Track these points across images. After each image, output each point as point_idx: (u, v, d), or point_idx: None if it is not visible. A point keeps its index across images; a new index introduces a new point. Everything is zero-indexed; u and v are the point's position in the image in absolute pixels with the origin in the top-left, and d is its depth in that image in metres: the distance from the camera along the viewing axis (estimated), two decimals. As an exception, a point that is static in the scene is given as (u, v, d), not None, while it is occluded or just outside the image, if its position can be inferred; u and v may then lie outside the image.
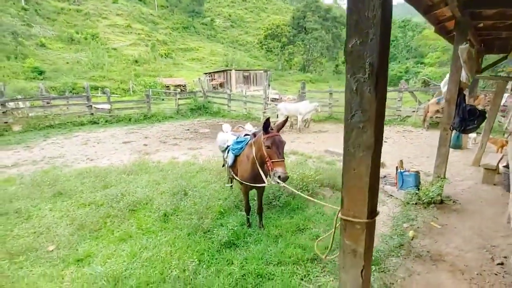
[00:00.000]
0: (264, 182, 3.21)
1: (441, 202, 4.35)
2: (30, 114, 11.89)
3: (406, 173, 4.73)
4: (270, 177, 2.96)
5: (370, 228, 1.34)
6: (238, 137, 3.82)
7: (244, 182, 3.36)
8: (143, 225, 3.88)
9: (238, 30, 67.41)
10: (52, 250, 3.42)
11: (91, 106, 13.57)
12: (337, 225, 1.54)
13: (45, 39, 37.57)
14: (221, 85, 29.23)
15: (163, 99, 21.96)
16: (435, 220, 3.84)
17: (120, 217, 4.06)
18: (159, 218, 4.00)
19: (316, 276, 2.80)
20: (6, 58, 29.87)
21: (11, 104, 11.94)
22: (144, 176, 5.79)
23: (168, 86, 24.96)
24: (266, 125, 2.95)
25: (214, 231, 3.43)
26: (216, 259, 3.08)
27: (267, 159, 2.88)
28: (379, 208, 4.63)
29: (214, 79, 30.61)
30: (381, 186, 5.28)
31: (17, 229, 3.81)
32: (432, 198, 4.12)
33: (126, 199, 4.43)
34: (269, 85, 34.53)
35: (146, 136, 11.22)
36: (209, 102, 17.73)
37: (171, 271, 2.82)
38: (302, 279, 2.77)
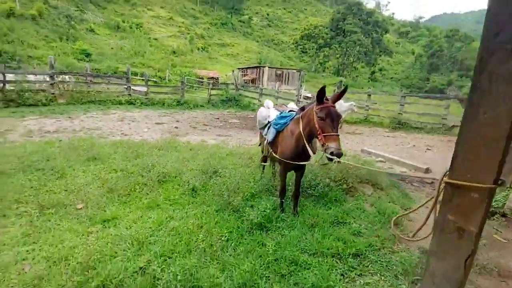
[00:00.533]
0: (307, 160, 2.92)
1: (504, 215, 3.75)
2: (74, 89, 12.54)
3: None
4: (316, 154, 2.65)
5: (490, 198, 0.99)
6: (282, 112, 3.54)
7: (284, 160, 3.08)
8: (171, 196, 3.74)
9: (275, 29, 67.23)
10: (81, 208, 3.38)
11: (129, 87, 14.05)
12: (441, 192, 1.20)
13: (94, 25, 40.03)
14: (253, 81, 29.18)
15: (195, 89, 22.35)
16: (499, 234, 3.28)
17: (149, 186, 3.97)
18: (187, 192, 3.85)
19: (360, 275, 2.44)
20: (59, 39, 32.22)
21: (59, 77, 12.66)
22: (174, 153, 5.72)
23: (202, 78, 25.37)
24: (321, 94, 2.63)
25: (245, 211, 3.18)
26: (245, 239, 2.83)
27: (318, 132, 2.57)
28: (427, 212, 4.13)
29: (247, 74, 30.64)
30: (429, 191, 4.74)
31: (51, 184, 3.85)
32: (495, 208, 3.54)
33: (156, 169, 4.34)
34: (301, 85, 33.95)
35: (178, 120, 11.35)
36: (240, 95, 17.69)
37: (198, 244, 2.62)
38: (342, 275, 2.43)
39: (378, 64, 43.40)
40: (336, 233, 2.98)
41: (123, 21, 44.75)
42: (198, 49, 45.30)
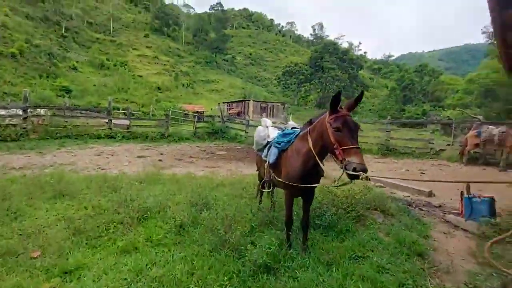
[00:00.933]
0: (317, 182, 2.50)
1: (530, 240, 3.38)
2: (49, 123, 11.80)
3: (476, 199, 3.83)
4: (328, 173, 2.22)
5: None
6: (284, 130, 3.17)
7: (291, 183, 2.62)
8: (153, 236, 3.10)
9: (257, 67, 70.51)
10: (37, 257, 2.67)
11: (110, 120, 13.47)
12: None
13: (77, 63, 40.12)
14: (239, 114, 29.41)
15: (181, 123, 22.00)
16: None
17: (126, 225, 3.31)
18: (174, 230, 3.23)
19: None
20: (39, 76, 31.70)
21: (34, 111, 11.94)
22: (157, 186, 5.11)
23: (187, 112, 25.28)
24: (336, 101, 2.30)
25: (246, 250, 2.61)
26: (249, 286, 2.23)
27: (335, 146, 2.18)
28: (448, 239, 3.69)
29: (232, 108, 30.95)
30: (441, 215, 4.36)
31: (2, 229, 3.12)
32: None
33: (135, 204, 3.71)
34: (288, 117, 34.63)
35: (162, 153, 10.75)
36: (226, 127, 17.47)
37: (189, 298, 2.00)
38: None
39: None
40: (358, 270, 2.46)
41: (108, 60, 45.33)
42: (183, 85, 46.07)
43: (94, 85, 36.84)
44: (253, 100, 30.33)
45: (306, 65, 45.27)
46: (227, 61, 68.18)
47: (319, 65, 43.30)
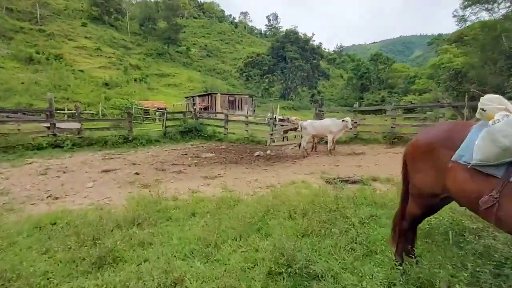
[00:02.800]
0: None
1: None
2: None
3: None
4: None
5: None
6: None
7: None
8: None
9: (214, 59, 67.21)
10: None
11: (54, 124, 10.34)
12: None
13: (-3, 57, 32.90)
14: (206, 108, 26.95)
15: (141, 122, 18.90)
16: None
17: None
18: None
19: None
20: None
21: None
22: (172, 228, 3.12)
23: (147, 109, 22.03)
24: None
25: None
26: None
27: None
28: None
29: (194, 103, 28.24)
30: None
31: None
32: None
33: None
34: (254, 110, 33.06)
35: (134, 162, 8.32)
36: (201, 124, 15.17)
37: None
38: None
39: (319, 87, 46.15)
40: None
41: (38, 53, 38.19)
42: (135, 79, 41.25)
43: (22, 82, 30.53)
44: (221, 94, 28.06)
45: (268, 55, 44.01)
46: (181, 53, 63.49)
47: (281, 55, 42.36)
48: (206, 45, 70.80)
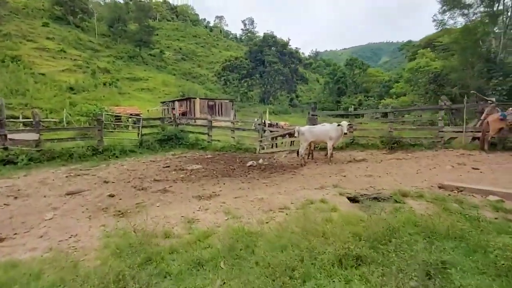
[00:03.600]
0: None
1: None
2: None
3: None
4: None
5: None
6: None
7: None
8: None
9: (190, 63, 65.24)
10: None
11: (5, 136, 8.60)
12: None
13: None
14: (184, 114, 25.44)
15: (112, 130, 17.09)
16: None
17: None
18: None
19: None
20: None
21: None
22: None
23: (119, 116, 20.11)
24: None
25: None
26: None
27: None
28: None
29: (173, 108, 26.63)
30: None
31: None
32: None
33: None
34: (235, 115, 32.00)
35: (106, 179, 6.98)
36: (181, 131, 13.88)
37: None
38: None
39: (297, 92, 46.18)
40: None
41: (-10, 54, 34.31)
42: (104, 84, 38.46)
43: (-29, 87, 27.03)
44: (200, 98, 26.65)
45: (246, 59, 43.21)
46: (154, 56, 60.73)
47: (259, 59, 41.72)
48: (181, 48, 68.64)
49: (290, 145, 12.83)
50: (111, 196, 5.52)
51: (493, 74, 13.74)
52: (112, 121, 17.71)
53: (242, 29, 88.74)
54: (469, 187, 4.33)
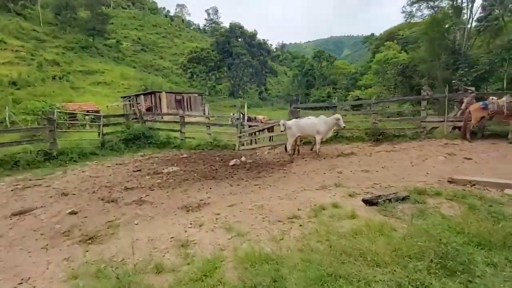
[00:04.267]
0: None
1: None
2: None
3: None
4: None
5: None
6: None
7: None
8: None
9: (151, 54, 61.26)
10: None
11: None
12: None
13: None
14: (149, 110, 23.56)
15: (67, 130, 15.04)
16: None
17: None
18: None
19: None
20: None
21: None
22: None
23: (74, 113, 17.80)
24: None
25: None
26: None
27: None
28: None
29: (138, 103, 24.58)
30: None
31: None
32: None
33: None
34: (204, 110, 30.58)
35: (64, 191, 5.77)
36: (150, 129, 12.56)
37: None
38: None
39: (265, 84, 45.76)
40: None
41: None
42: (54, 77, 34.35)
43: None
44: (166, 92, 24.81)
45: (213, 51, 41.46)
46: (110, 46, 55.86)
47: (227, 50, 40.22)
48: (139, 39, 64.06)
49: (270, 140, 12.33)
50: (73, 213, 4.46)
51: (459, 65, 14.53)
52: (66, 120, 15.60)
53: (206, 19, 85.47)
54: (482, 180, 4.12)
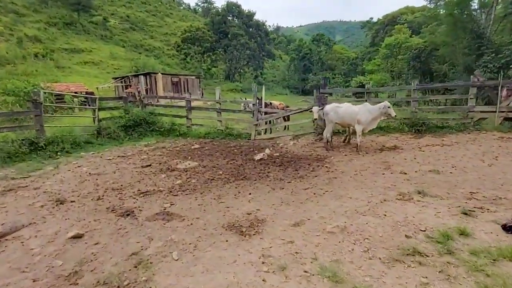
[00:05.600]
0: None
1: None
2: None
3: None
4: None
5: None
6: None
7: None
8: None
9: (141, 33, 57.67)
10: None
11: None
12: None
13: None
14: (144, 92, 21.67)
15: (53, 113, 13.28)
16: None
17: None
18: None
19: None
20: None
21: None
22: None
23: (61, 95, 15.88)
24: None
25: None
26: None
27: None
28: None
29: (130, 85, 22.66)
30: None
31: None
32: None
33: None
34: (202, 94, 28.82)
35: (59, 196, 4.45)
36: (151, 114, 11.08)
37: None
38: None
39: (263, 68, 43.80)
40: None
41: None
42: (36, 55, 31.50)
43: None
44: (162, 74, 22.84)
45: (209, 31, 38.85)
46: (97, 24, 52.02)
47: (223, 30, 37.67)
48: (128, 16, 60.06)
49: (284, 129, 11.11)
50: (78, 237, 3.17)
51: (484, 51, 13.47)
52: (52, 102, 13.80)
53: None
54: None
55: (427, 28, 19.22)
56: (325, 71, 47.94)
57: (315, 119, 7.74)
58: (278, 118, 10.45)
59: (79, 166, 6.36)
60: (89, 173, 5.77)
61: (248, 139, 9.79)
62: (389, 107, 6.64)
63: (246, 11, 40.34)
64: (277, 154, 7.36)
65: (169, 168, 6.12)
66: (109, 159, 7.03)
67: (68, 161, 6.78)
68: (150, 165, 6.38)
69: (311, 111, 8.29)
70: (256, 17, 44.47)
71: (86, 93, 17.04)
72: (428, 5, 20.18)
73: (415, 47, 17.86)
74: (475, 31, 14.07)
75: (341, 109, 7.07)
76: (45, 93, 14.84)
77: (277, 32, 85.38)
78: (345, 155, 6.88)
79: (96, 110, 9.68)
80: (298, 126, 10.23)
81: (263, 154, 7.11)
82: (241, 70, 40.95)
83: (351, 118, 6.97)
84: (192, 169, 6.09)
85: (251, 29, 40.01)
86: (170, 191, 4.68)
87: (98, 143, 8.80)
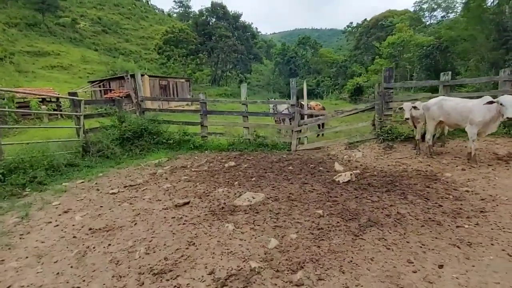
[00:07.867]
0: None
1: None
2: None
3: None
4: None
5: None
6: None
7: None
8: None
9: (115, 37, 53.56)
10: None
11: None
12: None
13: None
14: (126, 97, 18.69)
15: (15, 124, 10.12)
16: None
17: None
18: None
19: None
20: None
21: None
22: None
23: (27, 101, 12.58)
24: None
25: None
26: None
27: None
28: None
29: (113, 90, 19.54)
30: None
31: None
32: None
33: None
34: (192, 96, 26.11)
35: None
36: (153, 121, 8.46)
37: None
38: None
39: (251, 72, 41.87)
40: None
41: None
42: (-9, 58, 27.09)
43: None
44: (149, 76, 19.95)
45: (193, 32, 36.12)
46: (64, 26, 47.28)
47: (208, 32, 35.18)
48: (100, 18, 55.66)
49: (317, 136, 9.08)
50: None
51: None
52: (14, 109, 10.61)
53: (174, 1, 77.70)
54: None
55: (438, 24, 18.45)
56: (311, 74, 47.05)
57: (407, 118, 5.73)
58: (321, 123, 8.36)
59: (65, 212, 3.78)
60: (90, 229, 3.24)
61: (288, 150, 7.59)
62: (505, 104, 4.70)
63: (232, 12, 38.30)
64: (358, 171, 5.22)
65: (223, 208, 3.73)
66: (113, 193, 4.47)
67: (44, 201, 4.14)
68: (189, 203, 3.94)
69: (398, 108, 6.32)
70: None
71: (73, 93, 13.78)
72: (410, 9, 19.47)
73: (429, 43, 16.84)
74: (503, 24, 13.17)
75: (448, 103, 5.11)
76: (3, 99, 11.60)
77: (256, 37, 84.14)
78: (458, 167, 4.90)
79: (81, 118, 6.94)
80: (353, 131, 8.21)
81: (345, 174, 4.91)
82: (228, 73, 38.61)
83: (460, 117, 5.04)
84: (262, 205, 3.75)
85: (238, 31, 37.90)
86: (276, 269, 2.33)
87: (86, 165, 6.14)
